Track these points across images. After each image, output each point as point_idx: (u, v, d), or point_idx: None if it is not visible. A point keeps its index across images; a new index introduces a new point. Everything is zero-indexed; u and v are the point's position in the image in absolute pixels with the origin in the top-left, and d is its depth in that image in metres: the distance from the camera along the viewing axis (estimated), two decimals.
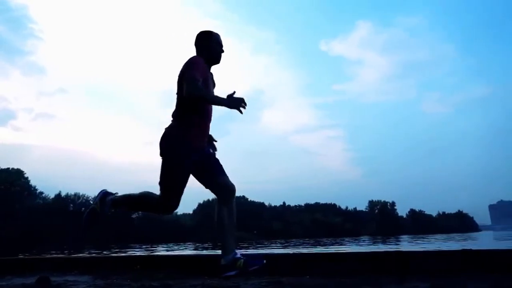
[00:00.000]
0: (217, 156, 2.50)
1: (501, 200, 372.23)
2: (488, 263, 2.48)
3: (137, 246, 22.98)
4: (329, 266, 2.76)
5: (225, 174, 2.38)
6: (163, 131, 2.38)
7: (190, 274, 2.86)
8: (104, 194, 2.37)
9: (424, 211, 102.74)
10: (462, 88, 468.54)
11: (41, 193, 59.58)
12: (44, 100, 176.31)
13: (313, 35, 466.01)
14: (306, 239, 35.82)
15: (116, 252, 12.43)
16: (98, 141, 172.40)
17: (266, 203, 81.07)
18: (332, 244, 15.63)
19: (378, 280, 2.36)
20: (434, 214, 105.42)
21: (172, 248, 17.40)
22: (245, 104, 2.20)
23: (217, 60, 2.52)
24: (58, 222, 50.21)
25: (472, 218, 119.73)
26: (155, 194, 2.31)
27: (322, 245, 14.51)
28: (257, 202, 76.19)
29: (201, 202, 68.08)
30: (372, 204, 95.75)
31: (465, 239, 18.33)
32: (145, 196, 2.33)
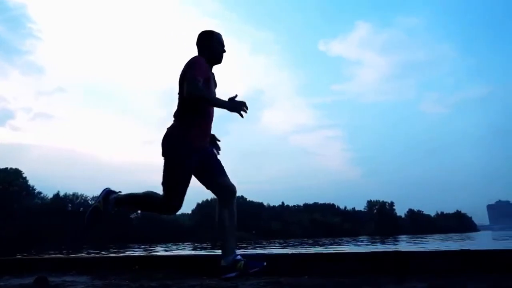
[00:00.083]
0: (217, 156, 2.50)
1: (499, 200, 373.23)
2: (486, 263, 2.48)
3: (136, 246, 22.96)
4: (328, 266, 2.76)
5: (226, 175, 2.38)
6: (164, 131, 2.38)
7: (189, 274, 2.85)
8: (107, 193, 2.36)
9: (423, 211, 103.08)
10: (461, 88, 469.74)
11: (40, 193, 59.54)
12: (42, 100, 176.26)
13: (312, 35, 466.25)
14: (305, 239, 35.85)
15: (114, 252, 12.42)
16: (97, 140, 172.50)
17: (265, 203, 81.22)
18: (331, 244, 15.65)
19: (377, 280, 2.35)
20: (432, 214, 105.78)
21: (170, 248, 17.39)
22: (247, 108, 2.20)
23: (218, 60, 2.52)
24: (57, 222, 50.15)
25: (471, 218, 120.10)
26: (159, 194, 2.30)
27: (320, 245, 14.52)
28: (255, 202, 76.26)
29: (200, 202, 68.17)
30: (370, 204, 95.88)
31: (463, 239, 18.37)
32: (149, 196, 2.33)
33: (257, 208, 73.58)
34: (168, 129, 2.37)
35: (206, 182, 2.36)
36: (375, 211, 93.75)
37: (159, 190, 2.37)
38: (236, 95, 2.22)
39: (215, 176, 2.35)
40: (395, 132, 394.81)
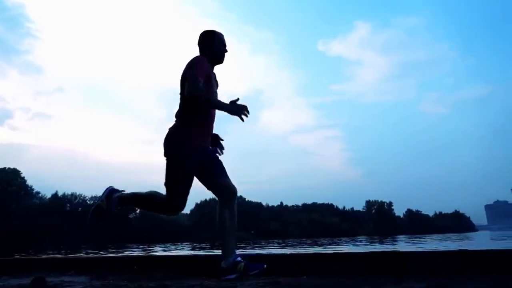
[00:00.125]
0: (219, 157, 2.50)
1: (497, 200, 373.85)
2: (485, 264, 2.48)
3: (135, 246, 22.93)
4: (327, 266, 2.76)
5: (227, 176, 2.39)
6: (164, 131, 2.38)
7: (188, 275, 2.85)
8: (111, 191, 2.35)
9: (421, 211, 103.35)
10: (461, 88, 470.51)
11: (38, 193, 59.42)
12: (41, 100, 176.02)
13: (311, 35, 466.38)
14: (304, 239, 35.86)
15: (113, 252, 12.40)
16: (96, 140, 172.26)
17: (264, 203, 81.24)
18: (329, 244, 15.66)
19: (376, 280, 2.36)
20: (431, 214, 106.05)
21: (169, 248, 17.37)
22: (248, 112, 2.20)
23: (220, 60, 2.52)
24: (55, 222, 50.05)
25: (469, 218, 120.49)
26: (162, 195, 2.30)
27: (319, 245, 14.53)
28: (254, 202, 76.27)
29: (199, 202, 68.17)
30: (369, 204, 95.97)
31: (461, 239, 18.40)
32: (152, 196, 2.32)
33: (256, 208, 73.58)
34: (170, 129, 2.37)
35: (206, 182, 2.36)
36: (373, 211, 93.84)
37: (161, 190, 2.37)
38: (238, 99, 2.21)
39: (215, 177, 2.35)
40: (394, 132, 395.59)
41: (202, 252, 10.18)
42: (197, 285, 2.39)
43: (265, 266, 2.26)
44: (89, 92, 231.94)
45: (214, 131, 2.56)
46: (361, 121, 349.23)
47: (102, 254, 11.15)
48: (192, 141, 2.29)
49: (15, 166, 57.02)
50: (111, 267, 3.27)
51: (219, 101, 2.27)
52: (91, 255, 8.02)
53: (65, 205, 59.19)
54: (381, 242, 16.88)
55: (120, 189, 2.41)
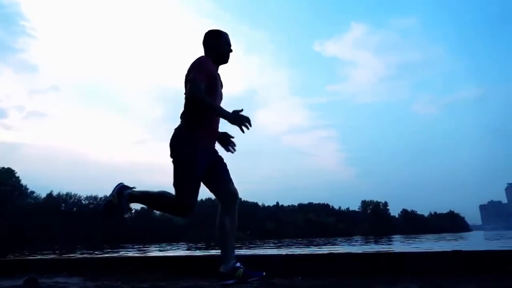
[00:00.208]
0: (224, 160, 2.48)
1: (492, 200, 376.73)
2: (479, 264, 2.49)
3: (130, 246, 22.85)
4: (322, 266, 2.76)
5: (232, 181, 2.38)
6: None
7: (182, 276, 2.84)
8: (122, 188, 2.33)
9: (416, 211, 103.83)
10: (454, 89, 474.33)
11: (32, 192, 59.05)
12: (36, 98, 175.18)
13: (307, 36, 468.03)
14: (299, 239, 35.90)
15: (108, 252, 12.34)
16: (91, 139, 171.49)
17: (260, 203, 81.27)
18: (325, 244, 15.68)
19: (371, 280, 2.36)
20: (426, 214, 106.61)
21: (165, 248, 17.31)
22: (250, 125, 2.18)
23: (225, 60, 2.51)
24: (50, 222, 49.78)
25: (463, 218, 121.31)
26: (173, 195, 2.28)
27: (315, 245, 14.55)
28: (250, 202, 76.23)
29: None
30: (364, 204, 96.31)
31: (456, 239, 18.50)
32: (163, 196, 2.31)
33: (252, 208, 73.56)
34: (175, 129, 2.36)
35: (211, 186, 2.35)
36: (369, 211, 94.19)
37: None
38: (242, 110, 2.20)
39: (222, 182, 2.34)
40: (390, 133, 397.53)
41: (197, 252, 10.16)
42: (191, 286, 2.38)
43: (264, 273, 2.26)
44: (84, 91, 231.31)
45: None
46: (356, 122, 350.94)
47: (97, 254, 11.09)
48: (196, 141, 2.28)
49: (9, 166, 56.76)
50: (105, 268, 3.25)
51: (222, 109, 2.25)
52: (84, 256, 7.98)
53: (60, 205, 58.87)
54: (376, 242, 16.92)
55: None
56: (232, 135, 2.52)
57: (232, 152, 2.50)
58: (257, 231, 62.26)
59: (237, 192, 2.37)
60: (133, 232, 53.17)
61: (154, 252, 12.52)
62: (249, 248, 13.47)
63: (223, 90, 2.53)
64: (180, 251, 13.14)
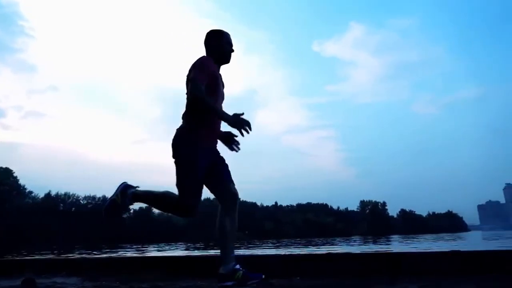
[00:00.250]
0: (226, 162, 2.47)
1: (490, 200, 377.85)
2: (477, 264, 2.49)
3: (128, 246, 22.81)
4: (320, 267, 2.76)
5: (232, 182, 2.37)
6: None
7: (181, 276, 2.84)
8: (125, 187, 2.33)
9: (415, 211, 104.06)
10: (454, 89, 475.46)
11: (31, 192, 58.94)
12: (34, 98, 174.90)
13: (306, 36, 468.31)
14: (298, 239, 35.91)
15: (106, 252, 12.32)
16: (89, 139, 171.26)
17: (258, 203, 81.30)
18: (324, 244, 15.68)
19: (369, 280, 2.36)
20: (424, 214, 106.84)
21: (163, 248, 17.29)
22: (250, 129, 2.17)
23: (227, 60, 2.50)
24: (48, 222, 49.66)
25: (461, 218, 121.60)
26: (177, 195, 2.28)
27: (313, 245, 14.55)
28: (249, 202, 76.20)
29: None
30: (363, 204, 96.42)
31: (454, 239, 18.53)
32: (167, 196, 2.31)
33: (251, 208, 73.54)
34: (177, 130, 2.36)
35: (211, 186, 2.34)
36: (367, 211, 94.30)
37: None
38: (243, 113, 2.20)
39: (223, 183, 2.34)
40: (389, 133, 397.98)
41: (196, 252, 10.15)
42: (190, 287, 2.38)
43: (263, 276, 2.26)
44: (83, 91, 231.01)
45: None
46: (355, 122, 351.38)
47: (96, 254, 11.07)
48: (198, 141, 2.28)
49: (7, 166, 56.58)
50: (103, 268, 3.24)
51: (223, 111, 2.26)
52: (82, 256, 7.96)
53: (58, 205, 58.76)
54: (375, 242, 16.93)
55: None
56: (236, 134, 2.52)
57: (237, 151, 2.49)
58: (255, 231, 62.24)
59: (238, 193, 2.37)
60: (132, 232, 53.10)
61: (153, 252, 12.50)
62: (248, 248, 13.46)
63: (225, 90, 2.52)
64: (178, 251, 13.13)
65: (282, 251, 9.18)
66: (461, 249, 2.70)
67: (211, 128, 2.37)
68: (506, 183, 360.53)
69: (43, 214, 50.62)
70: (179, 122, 2.40)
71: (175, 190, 2.29)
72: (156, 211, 65.07)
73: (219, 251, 2.34)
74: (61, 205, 59.49)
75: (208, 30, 2.54)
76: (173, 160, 2.30)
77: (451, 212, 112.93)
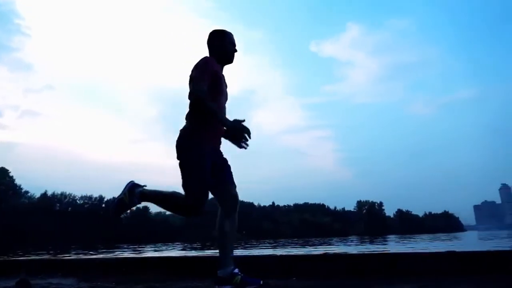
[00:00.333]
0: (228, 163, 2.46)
1: (485, 200, 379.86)
2: (473, 264, 2.50)
3: (125, 246, 22.73)
4: (317, 267, 2.76)
5: (234, 184, 2.36)
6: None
7: (178, 276, 2.83)
8: (133, 186, 2.33)
9: (411, 212, 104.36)
10: (451, 90, 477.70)
11: (27, 192, 58.63)
12: (30, 97, 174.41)
13: (304, 36, 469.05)
14: (295, 239, 35.92)
15: (103, 253, 12.27)
16: (86, 139, 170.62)
17: (255, 203, 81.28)
18: (321, 244, 15.69)
19: (366, 281, 2.36)
20: (420, 214, 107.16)
21: (160, 248, 17.24)
22: (250, 137, 2.17)
23: (230, 60, 2.49)
24: (44, 221, 49.41)
25: (458, 218, 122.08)
26: (184, 195, 2.27)
27: (310, 245, 14.56)
28: (246, 202, 76.17)
29: None
30: (360, 204, 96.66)
31: (450, 239, 18.60)
32: (174, 196, 2.29)
33: (248, 208, 73.53)
34: (180, 131, 2.35)
35: (212, 187, 2.33)
36: (364, 211, 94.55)
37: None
38: (244, 120, 2.19)
39: (225, 184, 2.33)
40: (386, 133, 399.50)
41: (193, 253, 10.13)
42: (187, 287, 2.37)
43: (261, 282, 2.25)
44: (79, 90, 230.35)
45: None
46: (353, 122, 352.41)
47: (92, 254, 11.03)
48: (201, 142, 2.27)
49: (3, 165, 56.27)
50: (99, 269, 3.23)
51: (223, 116, 2.26)
52: (79, 257, 7.93)
53: (54, 205, 58.51)
54: (371, 242, 16.96)
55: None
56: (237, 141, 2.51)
57: (245, 148, 2.47)
58: (253, 231, 62.16)
59: (238, 196, 2.36)
60: (129, 232, 52.91)
61: (150, 252, 12.47)
62: (245, 248, 13.44)
63: (227, 90, 2.51)
64: (175, 252, 13.10)
65: (279, 251, 9.18)
66: (458, 250, 2.71)
67: (214, 128, 2.36)
68: (502, 184, 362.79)
69: (39, 214, 50.39)
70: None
71: (175, 190, 2.29)
72: (153, 211, 65.05)
73: (217, 252, 2.34)
74: (58, 205, 59.25)
75: (211, 30, 2.52)
76: (178, 161, 2.29)
77: (448, 212, 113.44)
